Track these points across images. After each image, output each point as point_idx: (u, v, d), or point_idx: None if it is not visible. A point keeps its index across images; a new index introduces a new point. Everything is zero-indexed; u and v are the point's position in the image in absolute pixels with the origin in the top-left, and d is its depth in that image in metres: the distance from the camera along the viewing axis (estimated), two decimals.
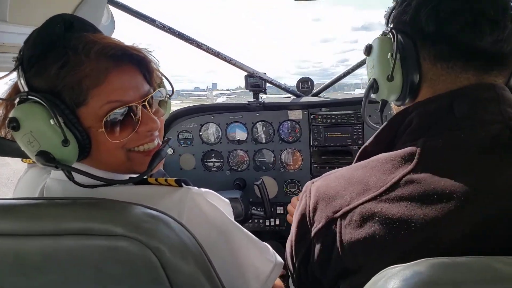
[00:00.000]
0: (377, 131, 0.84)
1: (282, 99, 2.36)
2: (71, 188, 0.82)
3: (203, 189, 0.89)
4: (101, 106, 0.80)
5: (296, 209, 0.90)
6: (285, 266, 1.03)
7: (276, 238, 2.27)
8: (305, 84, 2.38)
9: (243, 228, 0.93)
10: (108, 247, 0.65)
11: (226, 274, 0.82)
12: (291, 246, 0.90)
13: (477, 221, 0.62)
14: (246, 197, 2.34)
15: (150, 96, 0.87)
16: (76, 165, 0.82)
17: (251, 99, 2.25)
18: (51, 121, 0.75)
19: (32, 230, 0.67)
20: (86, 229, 0.66)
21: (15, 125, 0.75)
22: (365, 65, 2.35)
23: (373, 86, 0.88)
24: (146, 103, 0.85)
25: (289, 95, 2.44)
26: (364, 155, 0.83)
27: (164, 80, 0.98)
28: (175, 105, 3.10)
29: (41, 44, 0.79)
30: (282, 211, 2.33)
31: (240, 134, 2.33)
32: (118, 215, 0.68)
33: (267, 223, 2.33)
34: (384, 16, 0.89)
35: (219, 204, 0.89)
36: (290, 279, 1.01)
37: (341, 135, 2.17)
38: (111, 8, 1.71)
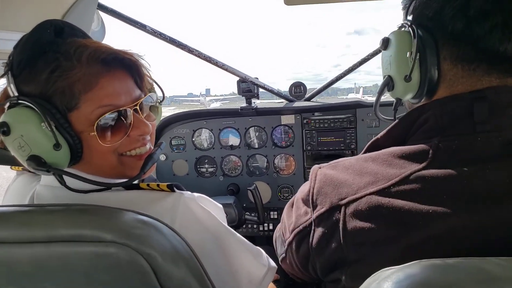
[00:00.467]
0: (390, 126, 0.81)
1: (275, 104, 2.37)
2: (62, 194, 0.81)
3: (195, 194, 0.88)
4: (92, 111, 0.79)
5: (300, 190, 0.90)
6: (278, 271, 1.03)
7: (269, 243, 2.26)
8: (298, 89, 2.38)
9: (236, 233, 0.93)
10: (98, 254, 0.64)
11: (219, 279, 0.82)
12: (287, 223, 0.90)
13: (486, 223, 0.62)
14: (240, 203, 2.33)
15: (141, 100, 0.87)
16: (67, 170, 0.81)
17: (244, 104, 2.25)
18: (42, 125, 0.75)
19: (23, 237, 0.66)
20: (77, 236, 0.65)
21: (5, 129, 0.74)
22: (356, 70, 2.37)
23: (389, 84, 0.83)
24: (137, 107, 0.85)
25: (282, 100, 2.44)
26: (375, 147, 0.81)
27: (155, 86, 0.97)
28: (169, 111, 3.09)
29: (31, 49, 0.78)
30: (276, 216, 2.32)
31: (233, 139, 2.32)
32: (108, 221, 0.68)
33: (261, 228, 2.32)
34: (403, 7, 0.84)
35: (212, 209, 0.89)
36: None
37: (334, 140, 2.17)
38: (102, 14, 1.70)
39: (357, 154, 1.09)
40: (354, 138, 2.14)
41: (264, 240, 2.32)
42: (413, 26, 0.75)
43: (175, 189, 0.85)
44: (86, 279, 0.66)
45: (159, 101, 0.97)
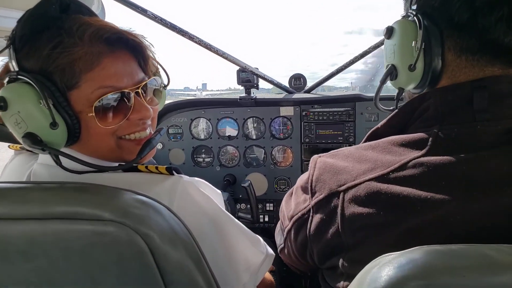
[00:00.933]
0: (391, 115, 0.81)
1: (274, 95, 2.36)
2: (59, 173, 0.80)
3: (195, 178, 0.87)
4: (93, 91, 0.78)
5: (299, 178, 0.91)
6: (275, 261, 1.03)
7: (265, 235, 2.27)
8: (298, 81, 2.38)
9: (235, 219, 0.92)
10: (95, 232, 0.63)
11: (216, 264, 0.81)
12: (285, 211, 0.91)
13: (484, 210, 0.62)
14: (236, 193, 2.33)
15: (144, 83, 0.85)
16: (64, 150, 0.80)
17: (243, 94, 2.23)
18: (40, 103, 0.73)
19: (18, 213, 0.65)
20: (74, 213, 0.64)
21: (2, 104, 0.73)
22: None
23: (392, 73, 0.83)
24: (140, 90, 0.84)
25: (281, 92, 2.43)
26: (375, 136, 0.81)
27: (160, 70, 0.96)
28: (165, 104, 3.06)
29: (35, 24, 0.77)
30: (271, 208, 2.32)
31: (231, 130, 2.31)
32: (107, 200, 0.66)
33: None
34: None
35: (210, 194, 0.88)
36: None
37: (332, 133, 2.17)
38: None
39: None
40: (353, 132, 2.13)
41: (259, 233, 2.33)
42: (419, 16, 0.75)
43: (174, 172, 0.84)
44: (82, 257, 0.65)
45: (163, 85, 0.95)
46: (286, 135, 2.25)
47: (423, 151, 0.68)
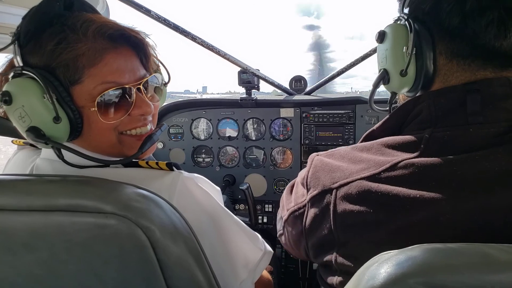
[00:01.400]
0: (385, 118, 0.82)
1: (275, 97, 2.37)
2: (61, 168, 0.81)
3: (194, 174, 0.88)
4: (95, 86, 0.79)
5: (299, 174, 0.94)
6: (272, 263, 1.04)
7: (264, 236, 2.27)
8: (298, 83, 2.39)
9: (233, 215, 0.93)
10: (97, 225, 0.64)
11: (215, 260, 0.82)
12: (285, 203, 0.95)
13: (474, 210, 0.62)
14: (235, 194, 2.33)
15: (145, 80, 0.86)
16: (66, 144, 0.81)
17: (244, 95, 2.24)
18: (44, 97, 0.74)
19: (21, 205, 0.66)
20: (76, 206, 0.65)
21: (7, 99, 0.74)
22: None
23: (384, 78, 0.84)
24: (141, 86, 0.85)
25: (282, 93, 2.45)
26: (371, 138, 0.82)
27: (162, 68, 0.97)
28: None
29: (39, 20, 0.78)
30: (270, 209, 2.33)
31: (231, 131, 2.32)
32: (109, 193, 0.67)
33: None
34: None
35: (210, 190, 0.89)
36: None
37: (332, 135, 2.18)
38: None
39: None
40: (353, 134, 2.14)
41: (259, 233, 2.33)
42: (410, 20, 0.76)
43: (174, 168, 0.85)
44: (83, 249, 0.66)
45: (164, 82, 0.97)
46: (286, 137, 2.26)
47: (416, 154, 0.69)
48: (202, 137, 2.35)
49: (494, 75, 0.71)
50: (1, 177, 0.71)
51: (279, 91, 2.43)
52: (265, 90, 2.51)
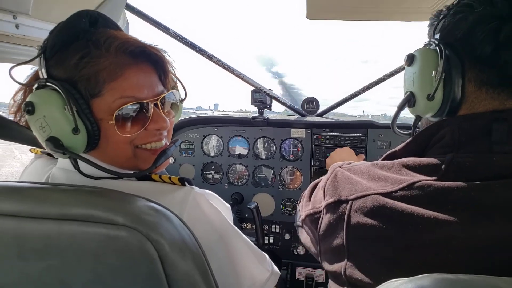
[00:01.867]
0: (408, 140, 0.82)
1: (286, 117, 2.39)
2: (76, 178, 0.83)
3: (206, 191, 0.89)
4: (114, 100, 0.81)
5: (322, 179, 0.95)
6: (277, 284, 1.03)
7: (270, 257, 2.24)
8: (310, 104, 2.41)
9: (243, 234, 0.93)
10: (108, 236, 0.65)
11: (222, 278, 0.81)
12: (304, 203, 0.98)
13: (489, 238, 0.62)
14: (242, 213, 2.32)
15: (163, 96, 0.89)
16: (83, 155, 0.83)
17: (256, 114, 2.27)
18: (65, 109, 0.77)
19: (36, 212, 0.67)
20: (89, 216, 0.65)
21: (30, 109, 0.77)
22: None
23: (410, 100, 0.83)
24: (158, 102, 0.87)
25: (293, 113, 2.46)
26: (392, 158, 0.82)
27: (178, 84, 1.00)
28: None
29: (66, 35, 0.82)
30: (277, 230, 2.31)
31: (241, 149, 2.34)
32: (120, 204, 0.68)
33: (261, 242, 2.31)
34: (429, 24, 0.84)
35: (220, 207, 0.89)
36: None
37: None
38: (127, 13, 1.76)
39: None
40: (364, 158, 2.13)
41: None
42: (441, 45, 0.76)
43: (186, 183, 0.86)
44: (94, 260, 0.67)
45: (180, 99, 0.99)
46: (296, 157, 2.26)
47: (435, 177, 0.68)
48: (212, 154, 2.37)
49: None
50: (18, 184, 0.73)
51: (290, 111, 2.45)
52: (277, 110, 2.53)
